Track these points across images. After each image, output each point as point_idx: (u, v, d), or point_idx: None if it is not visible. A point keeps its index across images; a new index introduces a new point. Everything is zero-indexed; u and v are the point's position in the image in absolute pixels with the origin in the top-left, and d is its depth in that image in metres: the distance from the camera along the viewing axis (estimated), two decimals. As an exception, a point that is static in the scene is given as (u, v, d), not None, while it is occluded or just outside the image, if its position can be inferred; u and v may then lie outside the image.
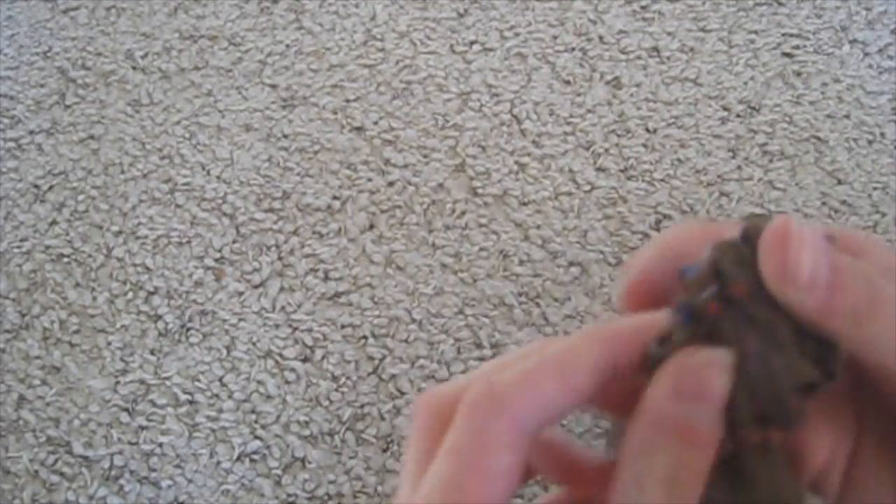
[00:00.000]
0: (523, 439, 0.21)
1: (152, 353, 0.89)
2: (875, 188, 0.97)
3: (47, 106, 1.08)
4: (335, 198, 0.98)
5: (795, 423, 0.21)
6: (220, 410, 0.86)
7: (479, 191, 0.98)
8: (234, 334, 0.90)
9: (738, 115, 1.03)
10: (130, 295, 0.93)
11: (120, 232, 0.97)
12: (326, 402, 0.86)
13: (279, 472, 0.83)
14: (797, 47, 1.08)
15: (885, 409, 0.22)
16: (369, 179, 0.99)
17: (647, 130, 1.02)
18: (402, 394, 0.86)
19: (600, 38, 1.10)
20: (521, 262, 0.93)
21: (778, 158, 1.00)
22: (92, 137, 1.05)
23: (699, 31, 1.10)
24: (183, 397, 0.87)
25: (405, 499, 0.22)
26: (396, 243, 0.95)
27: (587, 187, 0.98)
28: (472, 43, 1.10)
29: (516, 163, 1.00)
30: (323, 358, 0.88)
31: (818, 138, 1.01)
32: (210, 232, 0.97)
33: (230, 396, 0.87)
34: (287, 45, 1.11)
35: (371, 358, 0.88)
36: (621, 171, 0.99)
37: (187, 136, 1.04)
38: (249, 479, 0.83)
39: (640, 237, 0.94)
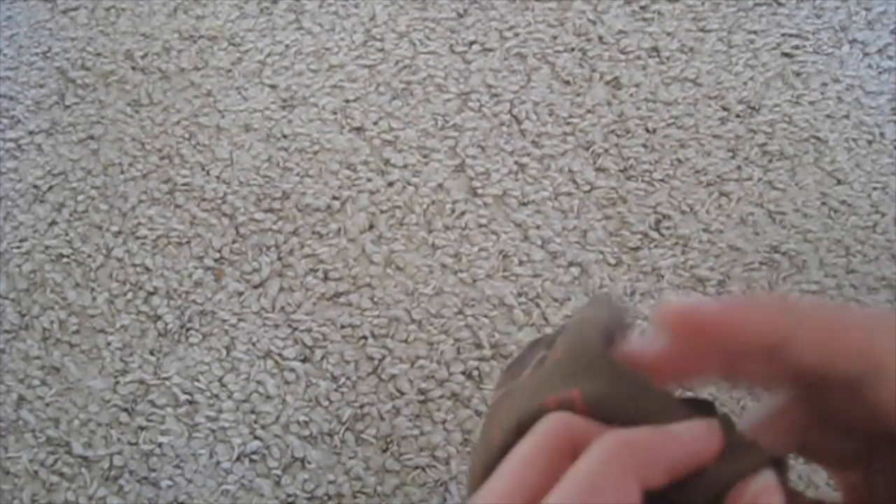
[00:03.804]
0: (640, 492, 0.23)
1: (152, 353, 0.89)
2: (875, 188, 0.97)
3: (47, 106, 1.08)
4: (335, 198, 0.98)
5: None
6: (220, 410, 0.86)
7: (479, 191, 0.98)
8: (233, 334, 0.90)
9: (738, 115, 1.03)
10: (130, 295, 0.93)
11: (120, 232, 0.97)
12: (326, 402, 0.86)
13: (279, 472, 0.83)
14: (797, 47, 1.08)
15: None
16: (369, 179, 0.99)
17: (647, 130, 1.02)
18: (402, 394, 0.86)
19: (600, 38, 1.10)
20: (521, 263, 0.93)
21: (778, 158, 1.00)
22: (92, 137, 1.05)
23: (699, 31, 1.10)
24: (183, 397, 0.87)
25: (497, 497, 0.24)
26: (396, 243, 0.95)
27: (587, 187, 0.98)
28: (471, 43, 1.10)
29: (516, 163, 1.00)
30: (323, 358, 0.88)
31: (818, 138, 1.01)
32: (210, 232, 0.97)
33: (230, 396, 0.87)
34: (287, 46, 1.11)
35: (371, 358, 0.88)
36: (621, 171, 0.99)
37: (187, 136, 1.04)
38: (249, 479, 0.83)
39: (640, 237, 0.94)
